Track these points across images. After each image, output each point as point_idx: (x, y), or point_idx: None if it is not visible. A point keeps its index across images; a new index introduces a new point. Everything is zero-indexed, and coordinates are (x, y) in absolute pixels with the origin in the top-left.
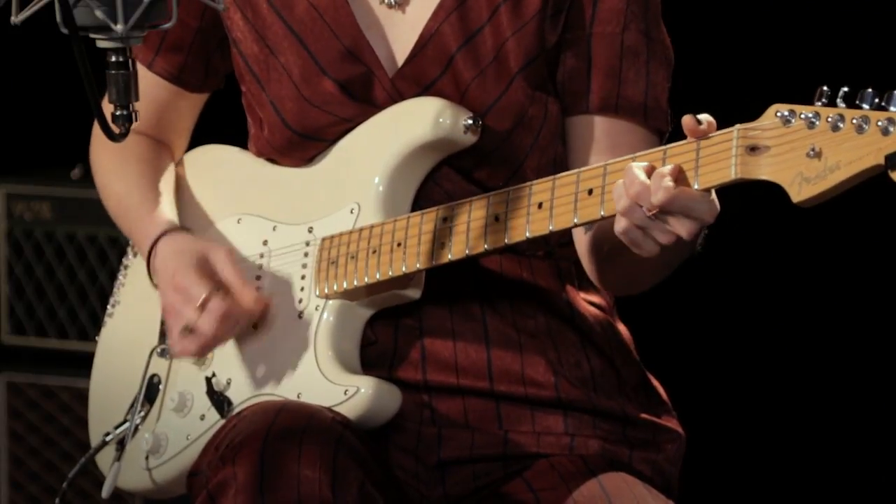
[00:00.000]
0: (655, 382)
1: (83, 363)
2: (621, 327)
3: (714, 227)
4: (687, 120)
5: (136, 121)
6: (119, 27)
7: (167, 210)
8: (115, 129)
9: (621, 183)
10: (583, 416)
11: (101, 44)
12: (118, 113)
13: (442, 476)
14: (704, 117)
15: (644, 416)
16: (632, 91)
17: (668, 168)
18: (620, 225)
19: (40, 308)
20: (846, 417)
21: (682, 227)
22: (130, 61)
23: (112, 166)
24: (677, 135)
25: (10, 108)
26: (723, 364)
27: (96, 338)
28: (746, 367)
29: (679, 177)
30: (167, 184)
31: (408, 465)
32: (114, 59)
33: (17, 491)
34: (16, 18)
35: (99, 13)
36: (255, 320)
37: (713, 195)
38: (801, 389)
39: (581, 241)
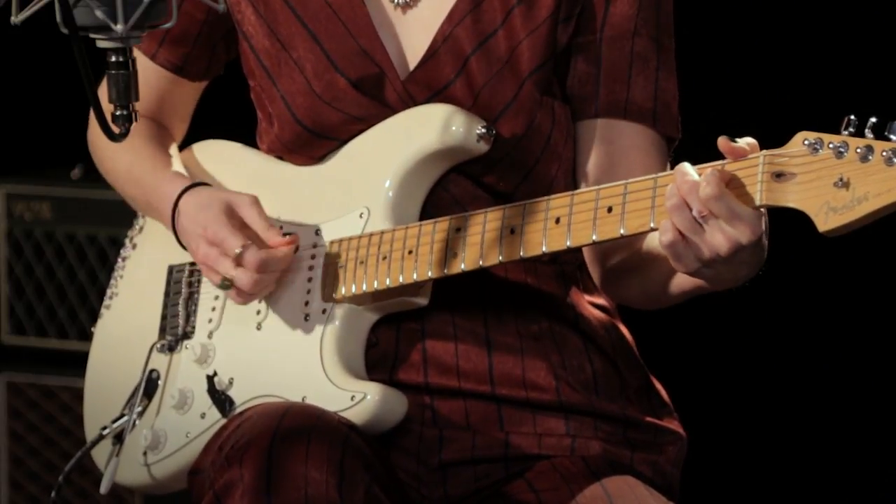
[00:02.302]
0: (658, 384)
1: (83, 363)
2: (624, 329)
3: None
4: (722, 143)
5: (136, 121)
6: (119, 27)
7: (181, 170)
8: (115, 129)
9: (673, 185)
10: (584, 419)
11: (101, 44)
12: (118, 113)
13: (443, 477)
14: (745, 140)
15: (646, 418)
16: (640, 96)
17: (721, 170)
18: (666, 236)
19: (40, 308)
20: (846, 419)
21: (723, 240)
22: (130, 61)
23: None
24: (690, 145)
25: (10, 108)
26: (725, 366)
27: (91, 334)
28: (748, 369)
29: (731, 182)
30: (175, 152)
31: (409, 466)
32: (114, 59)
33: (17, 491)
34: (16, 18)
35: (99, 13)
36: (288, 265)
37: (763, 214)
38: (801, 391)
39: (591, 254)
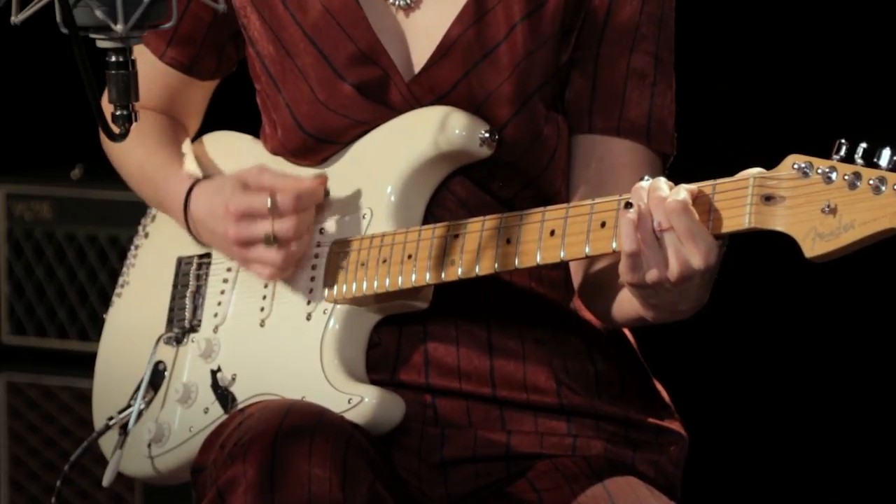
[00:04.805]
0: (659, 385)
1: (83, 363)
2: (626, 332)
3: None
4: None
5: (136, 121)
6: (119, 27)
7: (192, 166)
8: (115, 130)
9: (639, 186)
10: (586, 420)
11: (101, 44)
12: (118, 113)
13: (444, 475)
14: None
15: (647, 419)
16: (634, 113)
17: (691, 188)
18: (624, 244)
19: (40, 308)
20: (847, 419)
21: (675, 261)
22: (130, 61)
23: (129, 137)
24: (686, 161)
25: (10, 108)
26: (726, 367)
27: (102, 321)
28: (749, 370)
29: (699, 198)
30: (187, 148)
31: (410, 464)
32: (114, 59)
33: (17, 491)
34: (16, 18)
35: (99, 13)
36: (321, 199)
37: (721, 246)
38: (802, 392)
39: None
